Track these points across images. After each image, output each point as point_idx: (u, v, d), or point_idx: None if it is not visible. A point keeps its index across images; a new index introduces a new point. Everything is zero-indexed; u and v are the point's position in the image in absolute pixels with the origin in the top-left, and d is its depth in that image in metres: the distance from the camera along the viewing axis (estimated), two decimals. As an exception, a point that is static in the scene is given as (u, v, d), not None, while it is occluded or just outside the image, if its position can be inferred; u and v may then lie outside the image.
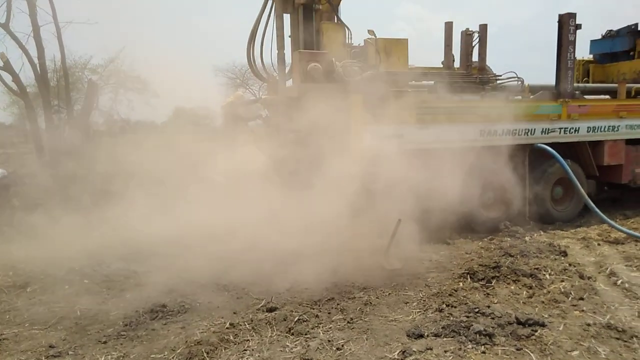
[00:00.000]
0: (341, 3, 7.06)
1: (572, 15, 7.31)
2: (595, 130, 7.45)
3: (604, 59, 10.05)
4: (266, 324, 3.93)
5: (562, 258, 5.52)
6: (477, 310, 3.96)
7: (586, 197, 6.85)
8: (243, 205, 6.52)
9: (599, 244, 6.22)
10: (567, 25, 7.34)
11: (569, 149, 7.37)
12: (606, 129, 7.51)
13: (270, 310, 4.20)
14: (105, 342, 3.74)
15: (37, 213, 7.23)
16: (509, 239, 6.47)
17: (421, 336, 3.63)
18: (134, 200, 8.53)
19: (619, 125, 7.58)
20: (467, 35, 7.28)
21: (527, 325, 3.68)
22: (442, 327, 3.70)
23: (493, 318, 3.83)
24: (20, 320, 4.23)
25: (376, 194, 6.36)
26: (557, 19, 7.40)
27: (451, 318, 3.88)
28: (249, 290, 4.79)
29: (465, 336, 3.53)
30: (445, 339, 3.57)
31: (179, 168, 10.02)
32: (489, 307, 4.04)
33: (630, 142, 7.83)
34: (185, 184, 9.55)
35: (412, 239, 6.29)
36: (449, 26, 7.37)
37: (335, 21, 6.88)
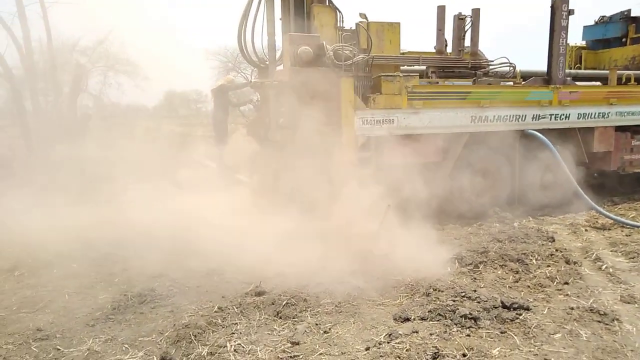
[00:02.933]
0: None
1: (565, 1, 7.27)
2: (586, 117, 7.47)
3: (596, 45, 10.04)
4: (254, 307, 3.95)
5: (550, 243, 5.58)
6: (463, 294, 4.00)
7: (575, 183, 6.90)
8: (233, 189, 6.51)
9: (586, 230, 6.29)
10: (559, 10, 7.30)
11: (559, 136, 7.38)
12: (596, 116, 7.53)
13: (259, 294, 4.22)
14: (93, 326, 3.75)
15: (25, 197, 7.16)
16: (498, 224, 6.52)
17: (407, 319, 3.67)
18: (124, 185, 8.48)
19: (609, 112, 7.60)
20: (459, 19, 7.22)
21: (512, 309, 3.73)
22: (429, 311, 3.74)
23: (479, 302, 3.87)
24: (8, 303, 4.21)
25: (366, 178, 6.38)
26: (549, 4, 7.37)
27: (438, 302, 3.92)
28: (239, 274, 4.79)
29: (451, 319, 3.57)
30: (431, 322, 3.61)
31: (169, 153, 9.97)
32: (475, 291, 4.08)
33: (619, 129, 7.87)
34: (176, 170, 9.51)
35: (401, 224, 6.33)
36: (441, 10, 7.31)
37: (327, 4, 6.77)
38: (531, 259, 4.97)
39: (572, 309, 3.76)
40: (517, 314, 3.66)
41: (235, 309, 3.93)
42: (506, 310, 3.72)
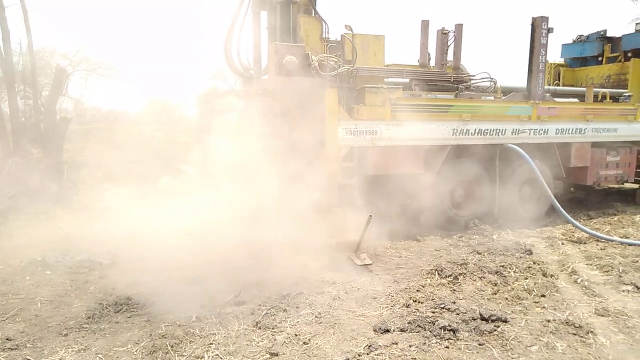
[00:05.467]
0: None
1: (545, 19, 7.47)
2: (564, 133, 7.65)
3: (574, 63, 10.33)
4: (233, 317, 3.90)
5: (527, 256, 5.66)
6: (442, 306, 4.02)
7: (552, 197, 7.03)
8: (214, 198, 6.44)
9: (562, 243, 6.40)
10: (539, 28, 7.49)
11: (538, 150, 7.53)
12: (574, 132, 7.72)
13: (238, 304, 4.17)
14: (65, 335, 3.65)
15: (-1, 201, 6.98)
16: (477, 236, 6.59)
17: (387, 331, 3.66)
18: (102, 191, 8.34)
19: (585, 128, 7.80)
20: (442, 34, 7.35)
21: (490, 321, 3.76)
22: (408, 322, 3.74)
23: (458, 314, 3.90)
24: (-24, 311, 4.08)
25: (349, 189, 6.40)
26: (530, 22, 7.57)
27: (417, 313, 3.93)
28: (218, 283, 4.73)
29: (430, 331, 3.59)
30: (410, 333, 3.61)
31: (150, 159, 9.85)
32: (454, 303, 4.11)
33: (595, 145, 8.07)
34: (157, 176, 9.39)
35: (383, 234, 6.36)
36: (425, 24, 7.43)
37: (313, 15, 6.83)
38: (509, 271, 5.03)
39: (549, 321, 3.81)
40: (495, 325, 3.70)
41: (214, 319, 3.88)
42: (484, 322, 3.75)
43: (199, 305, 4.20)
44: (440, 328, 3.59)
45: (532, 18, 7.54)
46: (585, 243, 6.38)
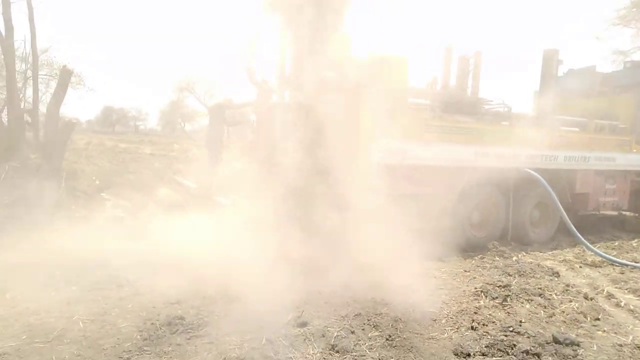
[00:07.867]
0: (348, 14, 7.02)
1: (556, 51, 7.83)
2: (571, 160, 7.95)
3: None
4: (304, 340, 3.70)
5: (556, 279, 5.76)
6: (511, 329, 3.99)
7: (569, 222, 7.24)
8: (246, 211, 6.20)
9: (580, 267, 6.57)
10: (550, 60, 7.84)
11: (547, 176, 7.76)
12: (579, 159, 8.05)
13: (302, 325, 3.96)
14: (128, 359, 3.32)
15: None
16: (498, 258, 6.67)
17: (468, 355, 3.58)
18: (102, 201, 7.87)
19: (589, 157, 8.16)
20: (463, 60, 7.52)
21: (565, 345, 3.76)
22: (486, 346, 3.68)
23: (529, 337, 3.88)
24: (12, 332, 3.65)
25: (379, 207, 6.33)
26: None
27: (489, 336, 3.87)
28: (262, 302, 4.48)
29: (515, 355, 3.53)
30: (493, 358, 3.54)
31: (144, 170, 9.45)
32: (520, 325, 4.09)
33: (596, 173, 8.43)
34: (156, 187, 8.99)
35: (411, 254, 6.30)
36: (448, 51, 7.59)
37: (342, 32, 6.80)
38: (550, 294, 5.08)
39: (621, 345, 3.85)
40: (573, 350, 3.69)
41: (284, 341, 3.66)
42: (560, 346, 3.74)
43: (257, 326, 3.96)
44: (523, 352, 3.55)
45: (544, 50, 7.89)
46: (600, 267, 6.59)
